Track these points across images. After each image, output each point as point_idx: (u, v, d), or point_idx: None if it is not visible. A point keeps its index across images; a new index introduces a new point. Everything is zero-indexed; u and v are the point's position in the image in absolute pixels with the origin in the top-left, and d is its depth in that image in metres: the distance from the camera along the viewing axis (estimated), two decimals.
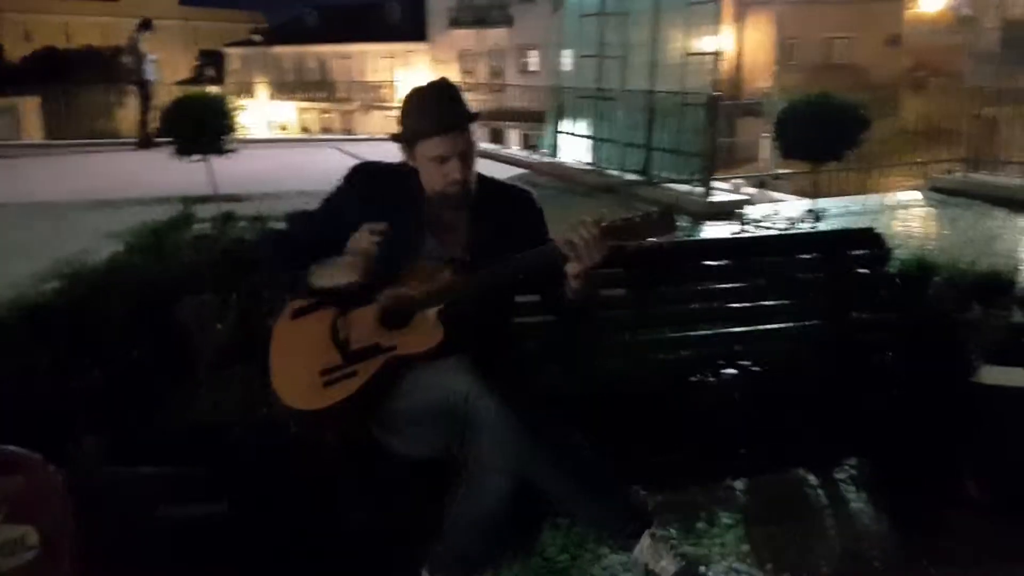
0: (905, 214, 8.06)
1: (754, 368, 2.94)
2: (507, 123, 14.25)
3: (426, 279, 2.28)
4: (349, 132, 32.92)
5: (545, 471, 2.06)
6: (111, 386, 3.28)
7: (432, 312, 2.26)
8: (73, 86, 16.22)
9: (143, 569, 2.23)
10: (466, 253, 2.36)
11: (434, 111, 2.29)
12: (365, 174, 2.43)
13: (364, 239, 2.21)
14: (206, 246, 6.16)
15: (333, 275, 2.24)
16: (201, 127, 5.99)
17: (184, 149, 6.12)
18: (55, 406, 3.17)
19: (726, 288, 3.18)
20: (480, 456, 2.11)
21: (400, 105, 2.40)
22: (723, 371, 2.94)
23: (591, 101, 10.21)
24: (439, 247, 2.38)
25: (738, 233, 5.23)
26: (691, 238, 4.03)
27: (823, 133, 5.08)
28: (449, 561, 2.33)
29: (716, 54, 8.36)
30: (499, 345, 2.35)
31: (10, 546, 2.27)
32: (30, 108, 21.09)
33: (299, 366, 2.28)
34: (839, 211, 8.04)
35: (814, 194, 10.49)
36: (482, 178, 2.44)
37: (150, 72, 12.31)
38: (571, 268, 2.19)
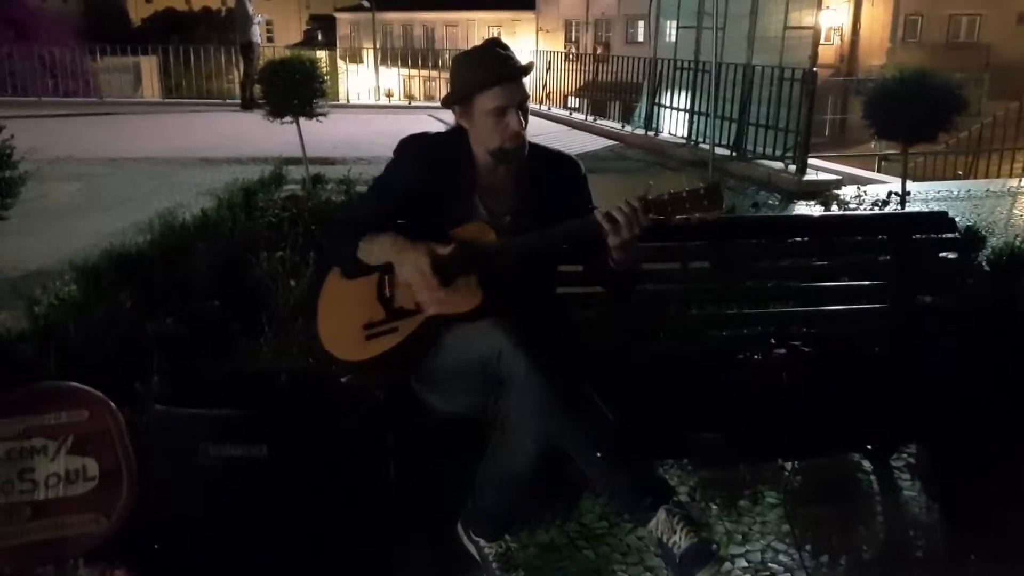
0: (1010, 202, 7.66)
1: (807, 348, 2.86)
2: (610, 91, 14.13)
3: (470, 242, 2.31)
4: None
5: (568, 436, 2.08)
6: (182, 333, 3.44)
7: (473, 275, 2.29)
8: (189, 45, 16.79)
9: (191, 507, 2.35)
10: (511, 218, 2.38)
11: (489, 63, 2.32)
12: (412, 145, 2.47)
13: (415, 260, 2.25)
14: (294, 205, 6.40)
15: (376, 253, 2.32)
16: (292, 91, 6.13)
17: (275, 112, 6.28)
18: (128, 349, 3.37)
19: (782, 266, 3.10)
20: (509, 416, 2.14)
21: (451, 66, 2.42)
22: (776, 349, 2.87)
23: (687, 73, 10.01)
24: (485, 212, 2.40)
25: (822, 211, 5.09)
26: (751, 215, 3.93)
27: (914, 113, 4.85)
28: (480, 518, 2.39)
29: (815, 29, 8.05)
30: (538, 311, 2.36)
31: (71, 475, 2.44)
32: (149, 66, 22.04)
33: (344, 319, 2.36)
34: (936, 195, 7.71)
35: (923, 176, 10.08)
36: (531, 145, 2.45)
37: (256, 34, 12.66)
38: (611, 240, 2.19)
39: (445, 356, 2.29)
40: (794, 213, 6.76)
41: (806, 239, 3.14)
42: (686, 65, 10.03)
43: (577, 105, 15.39)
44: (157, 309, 3.85)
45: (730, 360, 2.84)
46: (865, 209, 4.71)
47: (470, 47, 2.44)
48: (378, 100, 18.63)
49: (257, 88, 7.09)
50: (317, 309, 2.44)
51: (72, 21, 34.40)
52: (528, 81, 2.40)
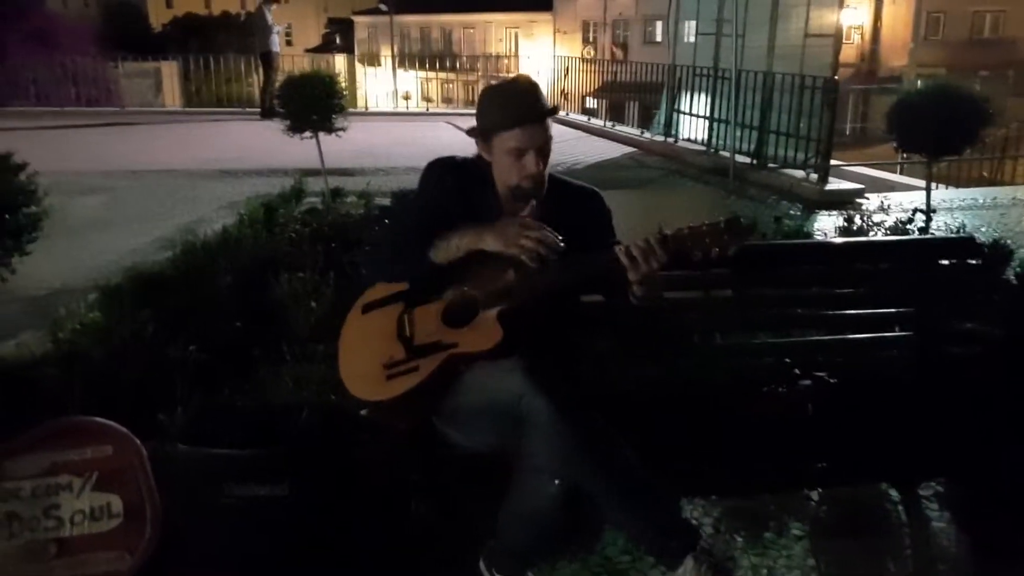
0: None
1: (832, 379, 2.83)
2: (628, 95, 14.12)
3: (490, 278, 2.30)
4: (471, 102, 33.19)
5: (591, 479, 2.07)
6: (204, 361, 3.45)
7: (493, 312, 2.28)
8: (209, 52, 16.92)
9: (213, 543, 2.35)
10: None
11: (513, 104, 2.32)
12: (439, 169, 2.47)
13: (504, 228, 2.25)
14: (314, 219, 6.42)
15: (457, 247, 2.31)
16: (311, 107, 6.15)
17: (295, 127, 6.32)
18: (151, 376, 3.38)
19: (805, 294, 3.07)
20: (531, 456, 2.13)
21: (478, 100, 2.42)
22: (801, 380, 2.85)
23: (706, 80, 9.95)
24: None
25: (844, 224, 5.03)
26: (768, 242, 3.89)
27: (938, 126, 4.78)
28: (503, 555, 2.38)
29: (836, 36, 7.97)
30: (558, 347, 2.35)
31: (96, 512, 2.45)
32: (170, 72, 22.27)
33: (364, 357, 2.35)
34: (961, 203, 7.61)
35: (947, 181, 9.96)
36: (553, 177, 2.45)
37: (275, 44, 12.72)
38: (631, 276, 2.17)
39: (466, 395, 2.29)
40: (816, 226, 6.73)
41: (829, 266, 3.10)
42: (705, 72, 9.97)
43: (595, 106, 15.36)
44: (179, 331, 3.87)
45: (755, 392, 2.81)
46: (890, 221, 4.65)
47: (499, 81, 2.44)
48: (396, 105, 18.63)
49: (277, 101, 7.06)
50: (338, 349, 2.44)
51: (93, 27, 34.75)
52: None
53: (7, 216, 2.61)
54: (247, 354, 3.77)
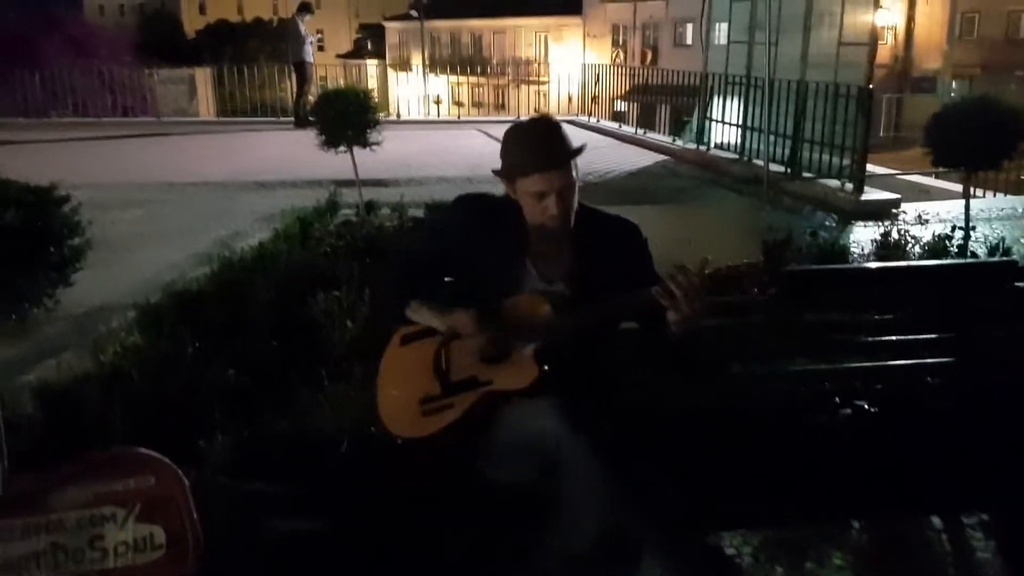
0: None
1: (872, 408, 2.80)
2: (659, 97, 14.12)
3: (526, 313, 2.30)
4: (500, 106, 33.27)
5: (629, 520, 2.06)
6: (243, 385, 3.49)
7: (529, 349, 2.28)
8: (242, 58, 17.17)
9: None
10: (567, 287, 2.37)
11: (534, 148, 2.30)
12: (470, 204, 2.47)
13: (462, 322, 2.27)
14: (348, 232, 6.47)
15: (424, 319, 2.34)
16: (346, 122, 6.21)
17: (330, 142, 6.37)
18: (190, 398, 3.42)
19: (842, 320, 3.04)
20: (569, 496, 2.12)
21: (502, 140, 2.41)
22: (841, 409, 2.82)
23: (739, 88, 9.88)
24: (541, 279, 2.39)
25: (881, 238, 4.98)
26: (805, 268, 3.85)
27: (975, 140, 4.71)
28: None
29: (870, 45, 7.88)
30: (596, 384, 2.34)
31: (140, 543, 2.48)
32: (204, 78, 22.60)
33: (401, 392, 2.36)
34: (1000, 212, 7.48)
35: (984, 185, 9.79)
36: (589, 211, 2.44)
37: (308, 54, 12.82)
38: (670, 316, 2.16)
39: (503, 432, 2.28)
40: (852, 238, 6.65)
41: (867, 291, 3.07)
42: (738, 79, 9.90)
43: (624, 109, 15.32)
44: (218, 351, 3.92)
45: (795, 421, 2.79)
46: (927, 236, 4.60)
47: (522, 120, 2.42)
48: (427, 110, 18.71)
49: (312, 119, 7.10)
50: (377, 380, 2.45)
51: (129, 35, 35.29)
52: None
53: (52, 249, 2.63)
54: (284, 374, 3.83)
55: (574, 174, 2.31)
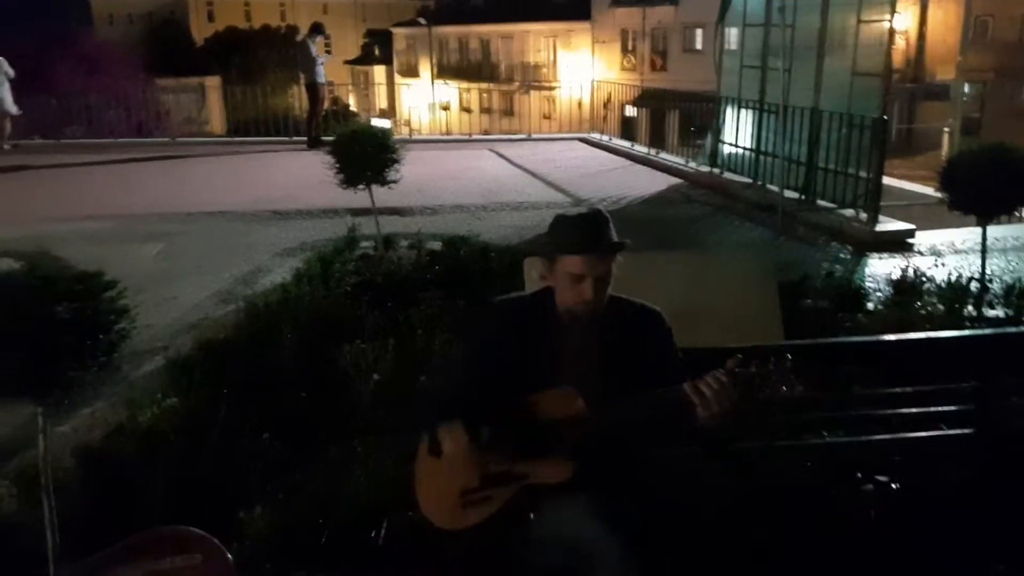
0: None
1: (895, 483, 2.87)
2: (669, 103, 14.18)
3: (559, 407, 2.38)
4: (509, 112, 33.38)
5: None
6: (276, 450, 3.58)
7: (564, 442, 2.36)
8: (252, 66, 17.34)
9: None
10: (598, 380, 2.45)
11: (582, 233, 2.41)
12: (498, 312, 2.58)
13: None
14: (367, 268, 6.56)
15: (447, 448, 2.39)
16: (365, 163, 6.30)
17: (350, 182, 6.47)
18: (225, 463, 3.52)
19: (862, 394, 3.11)
20: None
21: (551, 222, 2.49)
22: (863, 485, 2.89)
23: (753, 112, 9.93)
24: (572, 370, 2.47)
25: (900, 272, 5.02)
26: (823, 340, 3.92)
27: (991, 188, 4.76)
28: None
29: (883, 74, 7.91)
30: (629, 481, 2.42)
31: None
32: (213, 86, 22.80)
33: (440, 485, 2.44)
34: (1015, 242, 7.47)
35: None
36: (614, 299, 2.52)
37: (320, 75, 12.90)
38: (700, 412, 2.24)
39: (540, 525, 2.37)
40: (867, 272, 6.70)
41: (886, 364, 3.14)
42: (752, 104, 9.95)
43: (635, 113, 15.35)
44: (249, 409, 4.02)
45: (816, 497, 2.86)
46: (942, 274, 4.63)
47: (575, 208, 2.51)
48: (435, 117, 18.80)
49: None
50: (415, 472, 2.53)
51: (139, 48, 35.54)
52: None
53: (100, 337, 2.73)
54: (315, 432, 3.93)
55: (613, 266, 2.41)
